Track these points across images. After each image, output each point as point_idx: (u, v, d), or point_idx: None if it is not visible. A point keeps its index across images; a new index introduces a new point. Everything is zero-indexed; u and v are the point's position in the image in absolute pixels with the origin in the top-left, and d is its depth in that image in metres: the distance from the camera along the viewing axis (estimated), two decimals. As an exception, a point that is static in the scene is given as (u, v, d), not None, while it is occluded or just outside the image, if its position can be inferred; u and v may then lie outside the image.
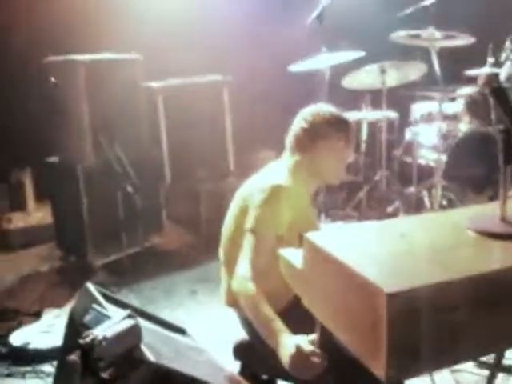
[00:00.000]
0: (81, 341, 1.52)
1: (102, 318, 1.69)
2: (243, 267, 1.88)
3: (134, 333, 1.58)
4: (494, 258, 1.38)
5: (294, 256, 1.63)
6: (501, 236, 1.43)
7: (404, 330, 1.16)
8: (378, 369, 1.18)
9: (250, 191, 2.03)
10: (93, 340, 1.50)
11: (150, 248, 4.23)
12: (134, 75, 4.08)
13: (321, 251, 1.42)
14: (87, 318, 1.73)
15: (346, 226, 1.69)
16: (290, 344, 1.66)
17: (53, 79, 3.71)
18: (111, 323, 1.59)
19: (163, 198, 4.42)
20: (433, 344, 1.19)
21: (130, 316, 1.62)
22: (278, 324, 1.73)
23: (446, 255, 1.36)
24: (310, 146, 2.06)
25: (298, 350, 1.62)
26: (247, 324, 2.10)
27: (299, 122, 2.11)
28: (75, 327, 1.91)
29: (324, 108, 2.12)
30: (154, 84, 4.43)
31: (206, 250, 4.17)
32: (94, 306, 1.77)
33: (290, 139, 2.14)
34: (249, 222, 1.93)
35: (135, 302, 3.37)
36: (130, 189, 3.75)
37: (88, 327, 1.64)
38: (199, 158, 4.59)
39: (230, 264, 2.06)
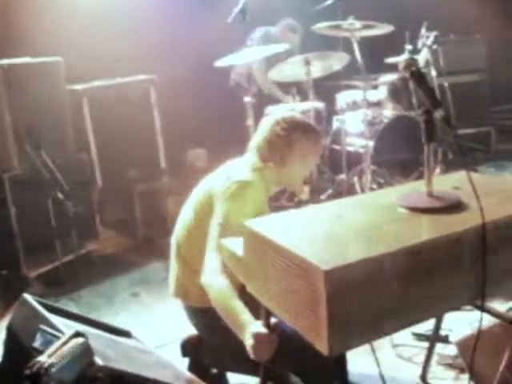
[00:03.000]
0: (27, 371, 1.39)
1: (52, 339, 1.61)
2: (212, 260, 1.89)
3: (84, 351, 1.50)
4: (422, 231, 1.47)
5: (234, 245, 1.66)
6: (428, 210, 1.52)
7: (342, 305, 1.22)
8: (321, 343, 1.24)
9: (215, 186, 2.04)
10: (39, 369, 1.39)
11: (86, 254, 4.13)
12: (56, 79, 3.97)
13: (259, 236, 1.47)
14: (37, 342, 1.65)
15: (283, 213, 1.73)
16: (248, 334, 1.68)
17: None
18: (58, 345, 1.48)
19: (96, 203, 4.33)
20: (370, 315, 1.27)
21: (77, 334, 1.52)
22: (246, 316, 1.74)
23: (378, 231, 1.44)
24: (283, 152, 2.11)
25: (255, 337, 1.65)
26: (194, 315, 2.12)
27: (273, 128, 2.14)
28: (15, 342, 1.85)
29: (297, 116, 2.20)
30: (78, 87, 4.32)
31: (143, 252, 4.13)
32: (42, 326, 1.68)
33: (259, 143, 2.16)
34: (217, 217, 1.94)
35: (76, 310, 3.29)
36: (60, 195, 3.65)
37: (40, 351, 1.54)
38: (130, 160, 4.52)
39: (183, 255, 2.10)
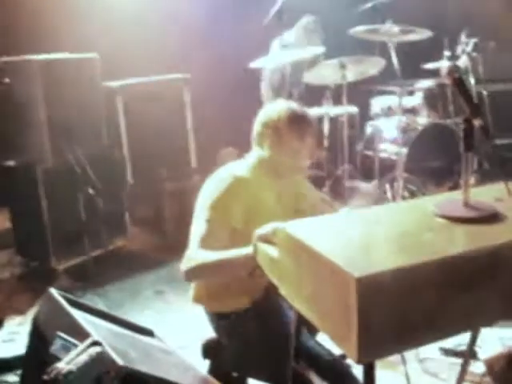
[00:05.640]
0: (45, 377, 1.44)
1: (68, 346, 1.62)
2: (192, 250, 1.88)
3: (100, 361, 1.51)
4: (459, 242, 1.43)
5: (269, 247, 1.64)
6: (466, 220, 1.48)
7: (373, 313, 1.19)
8: (350, 351, 1.22)
9: (211, 182, 2.04)
10: (57, 375, 1.43)
11: (114, 250, 4.16)
12: (92, 75, 4.00)
13: (294, 240, 1.45)
14: (54, 348, 1.65)
15: (320, 217, 1.70)
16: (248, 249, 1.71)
17: (7, 80, 3.61)
18: (76, 353, 1.52)
19: (126, 199, 4.35)
20: (401, 326, 1.23)
21: (94, 343, 1.54)
22: (230, 251, 1.76)
23: (414, 240, 1.40)
24: (269, 141, 2.05)
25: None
26: (214, 320, 2.10)
27: (262, 119, 2.10)
28: (39, 335, 1.86)
29: (286, 105, 2.10)
30: (113, 84, 4.36)
31: (170, 250, 4.13)
32: (59, 334, 1.69)
33: (253, 136, 2.13)
34: (204, 210, 1.92)
35: (101, 305, 3.31)
36: (91, 191, 3.67)
37: (55, 357, 1.57)
38: (161, 158, 4.54)
39: None
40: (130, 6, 4.81)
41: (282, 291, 1.57)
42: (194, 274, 1.89)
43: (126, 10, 4.78)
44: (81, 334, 1.63)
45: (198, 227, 1.92)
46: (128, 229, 4.37)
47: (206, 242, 1.87)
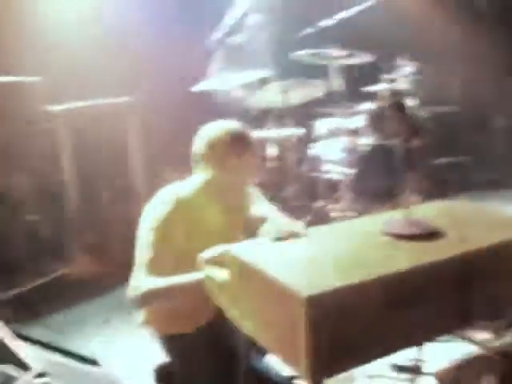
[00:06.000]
0: None
1: (10, 379, 1.55)
2: (138, 276, 1.85)
3: None
4: (404, 258, 1.46)
5: (215, 270, 1.63)
6: (410, 237, 1.52)
7: (323, 332, 1.21)
8: (301, 371, 1.23)
9: (153, 205, 2.03)
10: None
11: (59, 278, 4.04)
12: (33, 99, 3.92)
13: (241, 262, 1.46)
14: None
15: (264, 238, 1.70)
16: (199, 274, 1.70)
17: None
18: None
19: (70, 225, 4.25)
20: (352, 342, 1.25)
21: (39, 375, 1.48)
22: (181, 276, 1.75)
23: (360, 258, 1.43)
24: (210, 161, 2.05)
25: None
26: (165, 343, 2.07)
27: (199, 138, 2.10)
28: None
29: (226, 124, 2.10)
30: (56, 107, 4.27)
31: (117, 276, 4.02)
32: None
33: (194, 156, 2.13)
34: (147, 234, 1.89)
35: (46, 335, 3.19)
36: (33, 217, 3.58)
37: None
38: (106, 182, 4.47)
39: None
40: (77, 27, 4.74)
41: (231, 314, 1.56)
42: (144, 301, 1.86)
43: (72, 32, 4.70)
44: (23, 366, 1.57)
45: (142, 252, 1.89)
46: (73, 255, 4.26)
47: (152, 267, 1.84)
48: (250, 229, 2.11)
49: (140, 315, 2.11)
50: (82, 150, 4.32)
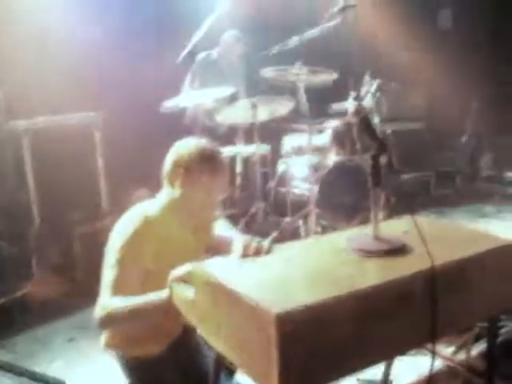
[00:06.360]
0: None
1: None
2: (105, 296, 1.82)
3: None
4: (371, 275, 1.48)
5: (185, 288, 1.62)
6: (377, 253, 1.53)
7: (294, 348, 1.21)
8: None
9: (121, 223, 1.99)
10: None
11: (21, 297, 3.93)
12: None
13: (210, 280, 1.45)
14: None
15: (232, 257, 1.70)
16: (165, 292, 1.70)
17: None
18: None
19: (33, 243, 4.16)
20: (322, 359, 1.25)
21: None
22: (147, 296, 1.74)
23: (329, 275, 1.44)
24: (180, 179, 2.03)
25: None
26: (128, 366, 2.03)
27: (172, 158, 2.08)
28: None
29: (192, 142, 2.10)
30: (20, 123, 4.20)
31: (82, 296, 3.96)
32: None
33: (163, 174, 2.11)
34: (115, 253, 1.87)
35: (8, 358, 3.10)
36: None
37: None
38: (71, 200, 4.39)
39: None
40: (40, 41, 4.68)
41: (200, 331, 1.55)
42: (110, 322, 1.83)
43: (36, 46, 4.64)
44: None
45: (109, 271, 1.86)
46: (36, 274, 4.16)
47: (119, 287, 1.81)
48: (217, 249, 2.11)
49: (103, 337, 2.06)
50: (47, 166, 4.24)
